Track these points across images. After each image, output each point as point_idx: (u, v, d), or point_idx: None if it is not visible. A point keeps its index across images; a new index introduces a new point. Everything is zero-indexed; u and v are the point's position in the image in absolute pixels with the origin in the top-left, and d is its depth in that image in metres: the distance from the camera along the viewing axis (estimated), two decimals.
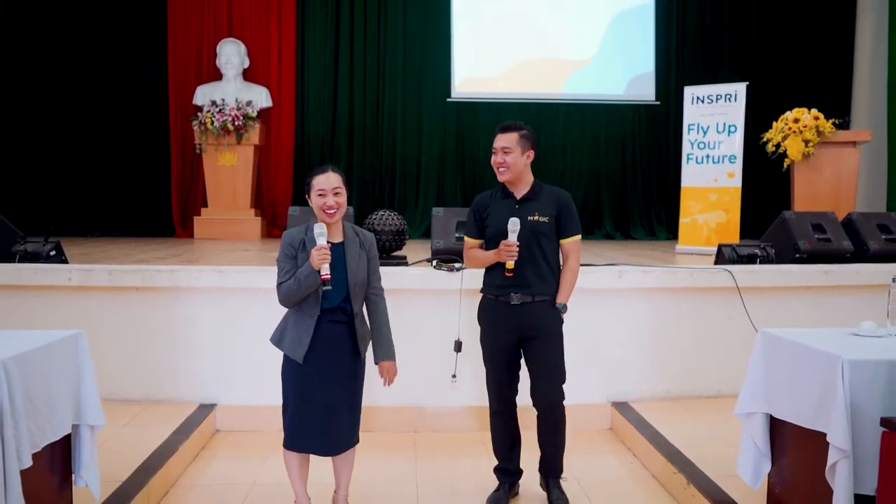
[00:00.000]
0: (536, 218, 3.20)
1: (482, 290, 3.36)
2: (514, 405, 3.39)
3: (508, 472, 3.43)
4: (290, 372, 2.94)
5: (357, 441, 3.07)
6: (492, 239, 3.27)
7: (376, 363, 3.06)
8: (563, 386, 3.27)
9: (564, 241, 3.28)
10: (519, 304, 3.20)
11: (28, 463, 2.33)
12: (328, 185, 2.87)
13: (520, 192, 3.27)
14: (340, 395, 2.94)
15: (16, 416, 2.29)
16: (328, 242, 2.85)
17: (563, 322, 3.27)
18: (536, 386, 3.26)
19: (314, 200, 2.89)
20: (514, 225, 3.11)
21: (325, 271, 2.78)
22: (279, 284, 2.88)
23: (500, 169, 3.23)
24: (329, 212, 2.87)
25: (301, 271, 2.82)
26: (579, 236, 3.31)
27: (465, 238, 3.43)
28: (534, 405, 3.29)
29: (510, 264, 3.12)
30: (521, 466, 3.48)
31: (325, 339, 2.89)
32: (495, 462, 3.49)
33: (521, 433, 3.43)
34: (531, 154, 3.26)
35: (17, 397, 2.30)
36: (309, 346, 2.87)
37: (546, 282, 3.22)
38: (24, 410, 2.34)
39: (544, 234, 3.22)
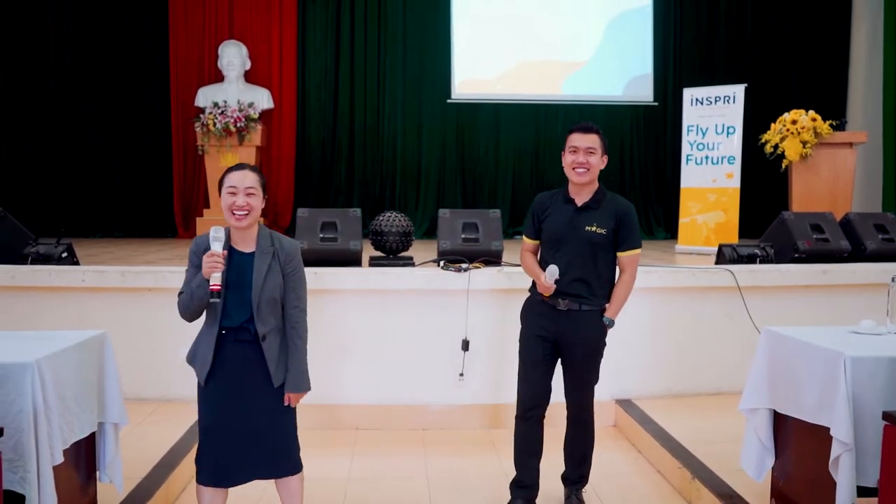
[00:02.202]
0: (594, 229, 3.10)
1: (530, 290, 3.31)
2: (543, 413, 3.26)
3: (524, 486, 3.26)
4: (200, 393, 2.64)
5: (298, 469, 2.71)
6: (546, 242, 3.23)
7: (285, 391, 2.65)
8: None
9: (622, 255, 3.17)
10: (565, 311, 3.12)
11: (60, 459, 2.42)
12: (241, 183, 2.53)
13: (582, 198, 3.17)
14: (255, 424, 2.59)
15: (49, 414, 2.37)
16: (225, 250, 2.53)
17: (606, 335, 3.20)
18: (569, 392, 3.25)
19: (223, 199, 2.56)
20: (551, 275, 3.05)
21: (215, 281, 2.45)
22: (178, 294, 2.60)
23: (580, 170, 3.11)
24: (238, 213, 2.53)
25: (194, 280, 2.52)
26: (638, 250, 3.19)
27: (524, 238, 3.38)
28: (566, 406, 3.30)
29: (546, 295, 3.13)
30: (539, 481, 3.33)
31: (229, 362, 2.57)
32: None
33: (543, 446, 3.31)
34: (606, 159, 3.18)
35: (50, 395, 2.39)
36: (211, 368, 2.56)
37: (595, 295, 3.13)
38: (57, 408, 2.42)
39: (601, 246, 3.12)
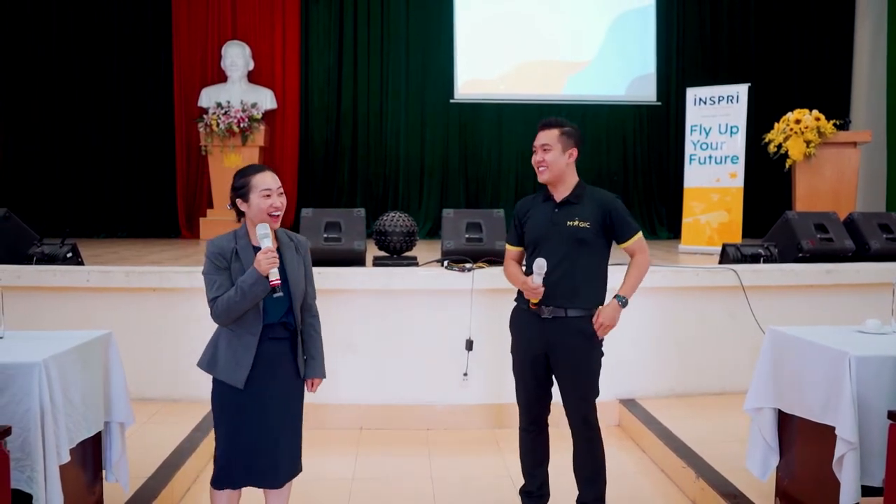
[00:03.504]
0: (577, 223, 2.96)
1: (516, 300, 3.17)
2: (545, 423, 3.18)
3: (533, 495, 3.20)
4: (224, 399, 2.59)
5: (300, 470, 2.73)
6: (529, 245, 3.09)
7: (307, 378, 2.73)
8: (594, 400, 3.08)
9: (625, 245, 3.04)
10: (550, 318, 2.97)
11: (66, 458, 2.42)
12: (275, 185, 2.60)
13: (560, 194, 3.04)
14: (284, 421, 2.63)
15: (55, 413, 2.38)
16: (276, 245, 2.59)
17: (600, 338, 3.03)
18: (566, 405, 3.08)
19: (257, 202, 2.57)
20: (539, 268, 2.87)
21: (275, 276, 2.47)
22: (213, 299, 2.54)
23: (540, 168, 3.01)
24: (275, 213, 2.59)
25: (244, 280, 2.48)
26: (639, 234, 3.05)
27: (506, 246, 3.26)
28: (569, 423, 3.12)
29: (533, 301, 2.96)
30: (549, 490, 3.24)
31: (265, 360, 2.58)
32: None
33: (550, 455, 3.22)
34: (574, 153, 3.02)
35: (56, 395, 2.40)
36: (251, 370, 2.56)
37: (581, 296, 2.97)
38: (63, 408, 2.43)
39: (585, 241, 2.96)
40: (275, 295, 2.49)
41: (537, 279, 2.89)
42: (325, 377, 2.78)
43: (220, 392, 2.60)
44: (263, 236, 2.51)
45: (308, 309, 2.74)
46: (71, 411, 2.51)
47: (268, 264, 2.46)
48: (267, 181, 2.59)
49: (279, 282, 2.48)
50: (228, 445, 2.59)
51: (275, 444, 2.60)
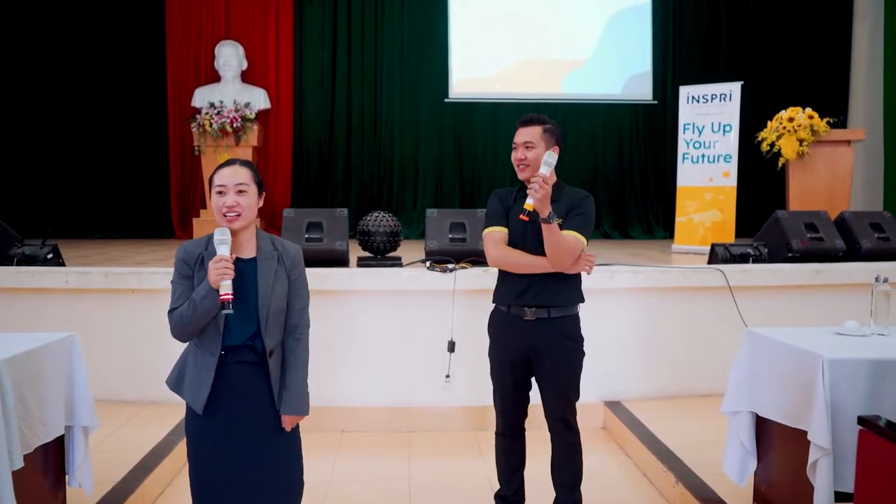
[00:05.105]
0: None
1: (494, 301, 3.04)
2: (522, 428, 3.09)
3: (508, 500, 3.13)
4: (193, 425, 2.31)
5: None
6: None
7: (279, 412, 2.35)
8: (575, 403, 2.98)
9: (565, 232, 2.81)
10: (533, 320, 2.87)
11: (20, 464, 2.36)
12: (230, 181, 2.23)
13: None
14: (255, 459, 2.29)
15: (8, 418, 2.33)
16: (234, 255, 2.22)
17: (582, 340, 2.97)
18: (547, 410, 3.00)
19: (213, 200, 2.26)
20: (550, 157, 2.74)
21: (226, 290, 2.14)
22: (171, 311, 2.25)
23: (521, 166, 2.89)
24: (229, 215, 2.23)
25: (197, 292, 2.19)
26: (582, 238, 2.82)
27: (490, 229, 2.96)
28: (548, 427, 3.03)
29: (530, 205, 2.66)
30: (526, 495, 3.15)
31: (230, 386, 2.26)
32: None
33: (527, 459, 3.14)
34: (556, 150, 2.89)
35: (8, 399, 2.35)
36: (210, 393, 2.24)
37: (563, 294, 2.88)
38: (16, 412, 2.38)
39: None
40: (223, 311, 2.17)
41: (545, 169, 2.70)
42: (302, 414, 2.37)
43: (190, 416, 2.31)
44: (220, 242, 2.19)
45: (291, 330, 2.37)
46: (26, 415, 2.46)
47: (217, 275, 2.14)
48: (223, 176, 2.25)
49: (230, 297, 2.15)
50: (198, 481, 2.30)
51: (242, 485, 2.27)
